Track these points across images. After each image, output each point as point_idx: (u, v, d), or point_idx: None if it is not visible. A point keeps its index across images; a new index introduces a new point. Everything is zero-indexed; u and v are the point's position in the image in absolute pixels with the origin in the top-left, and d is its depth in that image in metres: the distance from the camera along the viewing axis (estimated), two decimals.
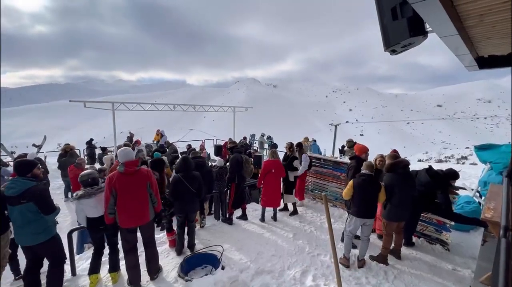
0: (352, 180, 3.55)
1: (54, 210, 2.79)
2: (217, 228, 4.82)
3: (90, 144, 10.36)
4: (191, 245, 3.92)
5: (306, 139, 10.13)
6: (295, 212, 5.41)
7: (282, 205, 5.48)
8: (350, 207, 3.60)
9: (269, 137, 12.84)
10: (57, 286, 2.89)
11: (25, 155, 6.58)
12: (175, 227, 3.98)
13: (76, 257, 3.84)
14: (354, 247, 3.81)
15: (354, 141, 7.75)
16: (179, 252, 3.83)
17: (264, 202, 5.08)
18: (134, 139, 10.05)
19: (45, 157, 9.21)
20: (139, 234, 3.18)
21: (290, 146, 5.61)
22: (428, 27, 2.22)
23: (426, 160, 43.28)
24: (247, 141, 11.41)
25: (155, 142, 11.47)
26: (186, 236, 3.93)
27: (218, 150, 8.86)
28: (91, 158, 9.90)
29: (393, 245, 3.83)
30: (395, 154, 3.94)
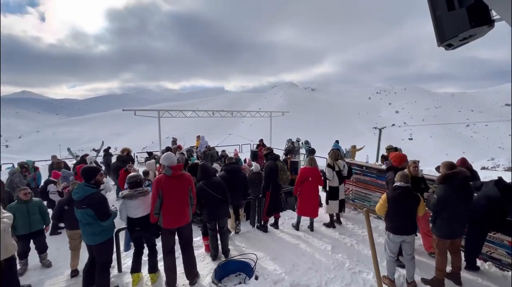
0: (385, 194, 3.20)
1: (109, 217, 3.03)
2: (252, 235, 4.77)
3: (107, 152, 10.12)
4: (225, 251, 3.93)
5: (354, 147, 9.65)
6: (332, 224, 5.07)
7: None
8: (386, 223, 3.24)
9: (306, 142, 12.49)
10: (103, 284, 3.12)
11: (85, 155, 7.53)
12: None
13: (123, 254, 4.15)
14: (402, 266, 3.40)
15: (394, 146, 6.94)
16: (214, 258, 3.88)
17: (300, 211, 4.89)
18: (177, 144, 10.71)
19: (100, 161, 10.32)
20: (177, 238, 3.30)
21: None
22: (494, 14, 1.87)
23: (492, 167, 37.55)
24: (295, 145, 11.06)
25: (196, 147, 12.06)
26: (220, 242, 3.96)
27: (254, 155, 8.90)
28: (108, 166, 9.28)
29: (450, 267, 3.32)
30: (451, 163, 3.44)
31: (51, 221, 4.64)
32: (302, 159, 10.94)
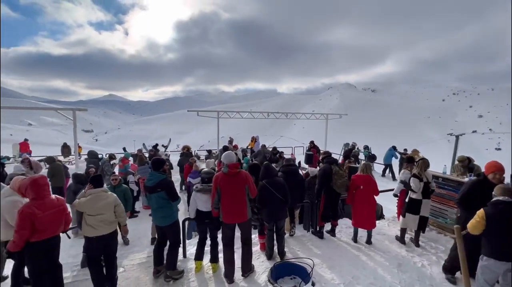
0: (482, 209, 2.68)
1: (178, 197, 3.44)
2: (307, 239, 4.66)
3: (155, 148, 10.57)
4: (281, 252, 3.93)
5: (416, 152, 8.56)
6: (402, 240, 4.55)
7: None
8: (482, 246, 2.72)
9: (366, 147, 11.60)
10: (172, 264, 3.49)
11: (153, 151, 8.48)
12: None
13: (187, 242, 4.54)
14: None
15: (467, 156, 5.81)
16: (269, 257, 3.92)
17: (355, 222, 4.55)
18: (233, 143, 11.24)
19: (168, 156, 11.58)
20: (238, 234, 3.45)
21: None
22: None
23: None
24: (355, 149, 10.47)
25: (250, 147, 12.44)
26: (275, 242, 3.98)
27: (309, 158, 8.68)
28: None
29: None
30: None
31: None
32: None
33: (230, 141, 11.42)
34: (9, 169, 7.75)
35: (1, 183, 3.65)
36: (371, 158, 9.78)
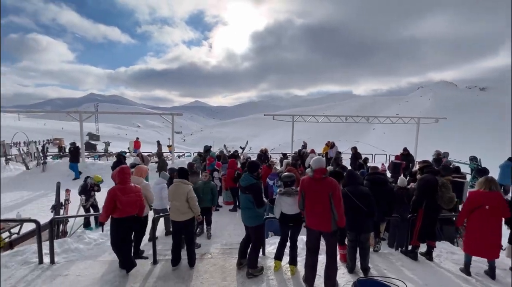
0: None
1: (263, 205, 3.57)
2: (395, 258, 4.14)
3: (208, 150, 10.51)
4: (365, 269, 3.62)
5: None
6: None
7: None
8: None
9: (473, 159, 9.48)
10: (253, 263, 3.67)
11: (236, 151, 9.12)
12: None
13: (266, 240, 4.72)
14: None
15: None
16: (351, 270, 3.66)
17: (469, 248, 3.70)
18: (307, 148, 11.07)
19: (249, 157, 12.34)
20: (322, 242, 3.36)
21: None
22: None
23: None
24: (447, 160, 8.84)
25: (323, 154, 11.98)
26: (358, 256, 3.69)
27: (396, 167, 7.70)
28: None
29: None
30: None
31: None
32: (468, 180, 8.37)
33: (304, 146, 11.30)
34: (128, 160, 9.84)
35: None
36: (482, 172, 7.88)
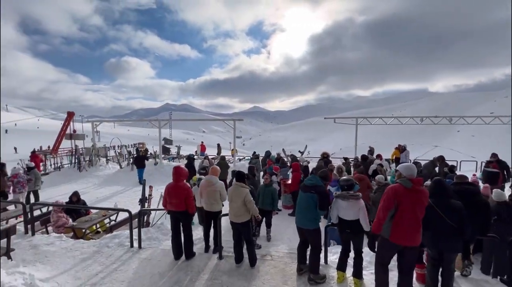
0: None
1: (326, 208, 3.51)
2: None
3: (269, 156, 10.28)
4: None
5: None
6: None
7: None
8: None
9: None
10: (315, 268, 3.57)
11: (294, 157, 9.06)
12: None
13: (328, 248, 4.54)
14: None
15: None
16: None
17: None
18: (374, 153, 10.15)
19: (308, 162, 12.13)
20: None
21: None
22: None
23: None
24: None
25: (392, 159, 10.77)
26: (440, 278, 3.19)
27: (493, 177, 6.34)
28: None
29: None
30: None
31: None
32: None
33: (371, 151, 10.40)
34: (196, 162, 10.87)
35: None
36: None
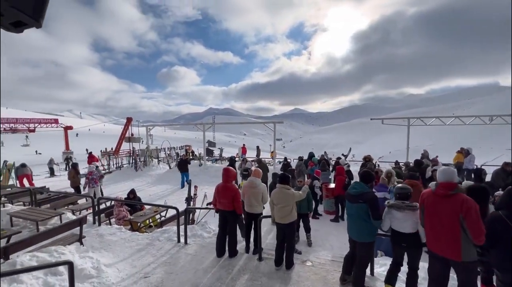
0: None
1: (380, 217, 3.20)
2: None
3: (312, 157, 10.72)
4: None
5: None
6: None
7: None
8: None
9: None
10: (360, 282, 3.34)
11: (338, 158, 8.68)
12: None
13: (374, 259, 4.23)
14: None
15: None
16: None
17: None
18: (429, 157, 9.11)
19: (349, 166, 11.54)
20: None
21: None
22: None
23: None
24: None
25: (456, 164, 9.49)
26: None
27: None
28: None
29: None
30: None
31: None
32: None
33: (425, 155, 9.37)
34: (236, 164, 11.18)
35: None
36: None
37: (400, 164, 9.49)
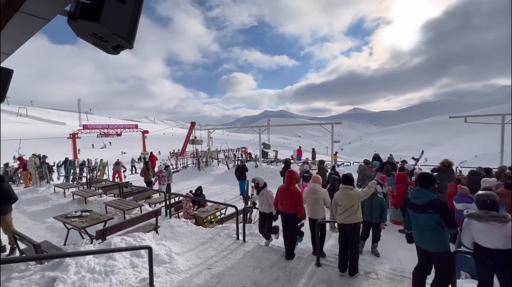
0: None
1: (456, 225, 2.85)
2: None
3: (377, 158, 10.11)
4: None
5: None
6: None
7: None
8: None
9: None
10: None
11: (404, 162, 7.75)
12: None
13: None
14: None
15: None
16: None
17: None
18: None
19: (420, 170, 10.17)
20: None
21: None
22: None
23: None
24: None
25: None
26: None
27: None
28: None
29: None
30: None
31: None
32: None
33: None
34: (291, 166, 11.09)
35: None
36: None
37: (492, 170, 7.82)
